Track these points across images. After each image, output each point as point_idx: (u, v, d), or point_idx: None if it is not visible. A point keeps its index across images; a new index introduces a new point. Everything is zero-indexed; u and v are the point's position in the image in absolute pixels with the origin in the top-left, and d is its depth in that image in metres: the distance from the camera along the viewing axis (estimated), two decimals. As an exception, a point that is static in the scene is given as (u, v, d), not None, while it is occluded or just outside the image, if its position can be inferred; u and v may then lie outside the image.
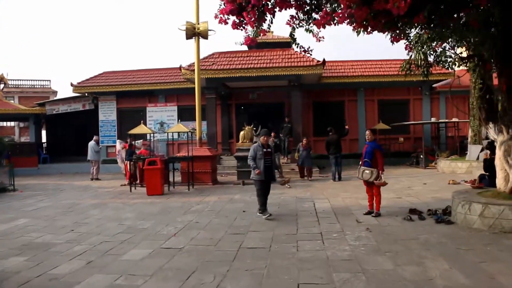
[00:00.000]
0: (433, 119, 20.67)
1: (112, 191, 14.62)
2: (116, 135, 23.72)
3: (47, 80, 42.31)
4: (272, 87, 22.00)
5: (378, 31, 7.32)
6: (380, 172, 9.01)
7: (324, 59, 18.40)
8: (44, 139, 29.60)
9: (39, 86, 42.15)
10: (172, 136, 16.82)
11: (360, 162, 9.49)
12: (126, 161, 15.65)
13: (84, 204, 11.79)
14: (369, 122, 22.39)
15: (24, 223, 9.47)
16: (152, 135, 16.28)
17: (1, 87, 28.41)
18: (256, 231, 8.03)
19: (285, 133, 19.64)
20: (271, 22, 7.99)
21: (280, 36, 26.76)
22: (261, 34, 7.99)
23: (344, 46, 70.97)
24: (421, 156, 19.82)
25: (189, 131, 14.99)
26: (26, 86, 41.84)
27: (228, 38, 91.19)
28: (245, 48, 22.72)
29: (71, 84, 23.20)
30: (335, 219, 8.86)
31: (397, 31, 7.99)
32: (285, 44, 22.39)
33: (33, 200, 12.95)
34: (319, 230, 7.89)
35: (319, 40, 8.48)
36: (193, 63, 18.32)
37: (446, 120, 20.87)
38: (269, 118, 23.27)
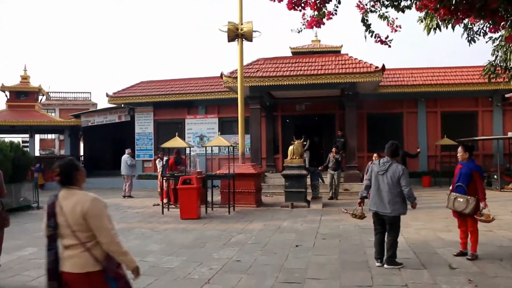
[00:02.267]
0: (510, 134, 17.99)
1: (142, 212, 12.85)
2: (153, 149, 22.20)
3: (88, 92, 41.80)
4: (321, 98, 19.96)
5: (474, 17, 5.32)
6: (481, 201, 6.78)
7: (383, 65, 16.21)
8: (81, 152, 28.58)
9: (80, 98, 41.63)
10: (212, 150, 14.93)
11: (450, 187, 7.28)
12: (161, 178, 13.86)
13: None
14: (430, 137, 19.92)
15: (29, 254, 7.74)
16: (188, 149, 14.53)
17: (40, 99, 27.62)
18: (317, 278, 5.95)
19: (339, 149, 17.47)
20: (339, 3, 6.09)
21: (328, 45, 24.84)
22: (326, 18, 6.05)
23: (400, 52, 67.70)
24: (495, 177, 17.16)
25: (231, 145, 13.09)
26: (66, 99, 41.39)
27: (274, 43, 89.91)
28: (291, 54, 20.81)
29: (107, 95, 21.93)
30: (419, 262, 6.66)
31: (496, 18, 5.85)
32: (335, 53, 20.46)
33: (52, 222, 11.32)
34: (403, 281, 5.74)
35: (395, 30, 6.47)
36: (236, 70, 16.57)
37: None
38: (318, 132, 21.25)
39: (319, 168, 14.97)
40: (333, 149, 14.88)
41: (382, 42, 6.42)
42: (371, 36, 6.41)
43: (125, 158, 17.34)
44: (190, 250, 7.81)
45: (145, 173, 22.32)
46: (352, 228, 9.57)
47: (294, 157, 13.13)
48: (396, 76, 20.42)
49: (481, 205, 6.73)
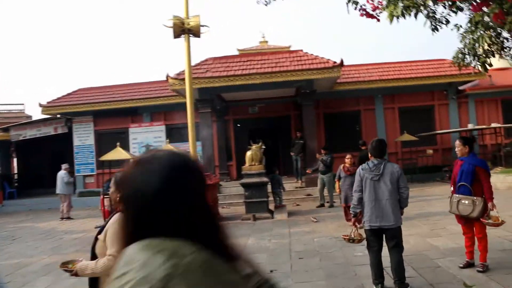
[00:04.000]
0: (470, 125, 17.44)
1: (82, 238, 10.97)
2: (94, 162, 20.22)
3: (21, 104, 38.65)
4: (275, 99, 18.83)
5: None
6: (488, 202, 5.68)
7: (342, 60, 15.21)
8: (15, 170, 26.00)
9: (12, 111, 38.35)
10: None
11: (451, 188, 6.16)
12: (101, 196, 12.10)
13: (33, 267, 8.14)
14: (390, 134, 19.13)
15: None
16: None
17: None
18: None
19: (297, 151, 16.28)
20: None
21: (277, 45, 23.67)
22: None
23: (354, 49, 67.54)
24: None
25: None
26: (-3, 112, 38.05)
27: (221, 46, 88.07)
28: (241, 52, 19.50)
29: (40, 105, 19.76)
30: (425, 282, 5.50)
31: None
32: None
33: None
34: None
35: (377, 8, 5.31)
36: (183, 71, 15.04)
37: (493, 126, 17.29)
38: (274, 135, 20.01)
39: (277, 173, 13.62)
40: (322, 151, 13.34)
41: (368, 15, 5.18)
42: (355, 8, 5.16)
43: (61, 174, 15.35)
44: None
45: (87, 189, 20.29)
46: (328, 241, 8.29)
47: (253, 163, 11.76)
48: (351, 73, 19.52)
49: (489, 206, 5.65)
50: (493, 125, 17.16)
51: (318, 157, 13.43)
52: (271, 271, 6.47)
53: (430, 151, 18.61)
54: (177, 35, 12.30)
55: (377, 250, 5.15)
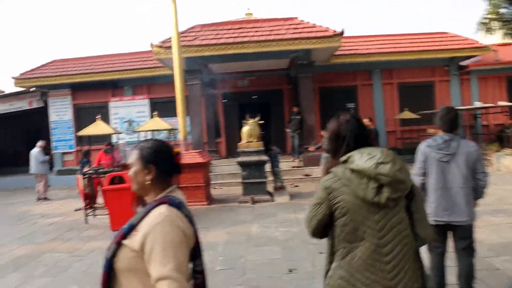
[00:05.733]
0: (477, 103, 16.49)
1: (59, 223, 9.73)
2: (73, 138, 18.82)
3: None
4: (267, 71, 17.65)
5: None
6: None
7: (342, 29, 14.04)
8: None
9: (-16, 86, 36.36)
10: (145, 137, 12.10)
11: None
12: (78, 176, 10.83)
13: (3, 258, 6.98)
14: (388, 111, 18.16)
15: None
16: (117, 136, 11.63)
17: None
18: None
19: (294, 127, 15.16)
20: None
21: (262, 18, 22.29)
22: None
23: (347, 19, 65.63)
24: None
25: (171, 129, 10.40)
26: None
27: (204, 18, 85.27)
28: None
29: (13, 77, 18.21)
30: None
31: None
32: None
33: None
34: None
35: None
36: (168, 39, 13.72)
37: (502, 104, 16.31)
38: (263, 110, 18.80)
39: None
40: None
41: None
42: None
43: (35, 153, 14.01)
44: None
45: (65, 167, 18.92)
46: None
47: (251, 140, 10.60)
48: (348, 45, 18.28)
49: None
50: (500, 103, 16.20)
51: (323, 134, 12.31)
52: (291, 270, 5.40)
53: (432, 130, 17.63)
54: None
55: (441, 252, 3.98)
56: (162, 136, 15.32)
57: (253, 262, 5.85)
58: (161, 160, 2.04)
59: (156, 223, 1.82)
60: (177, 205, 1.94)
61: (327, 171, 2.42)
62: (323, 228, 2.34)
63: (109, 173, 9.17)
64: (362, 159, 2.19)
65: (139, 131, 14.51)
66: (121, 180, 8.57)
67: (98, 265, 5.98)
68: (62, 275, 5.93)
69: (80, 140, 17.37)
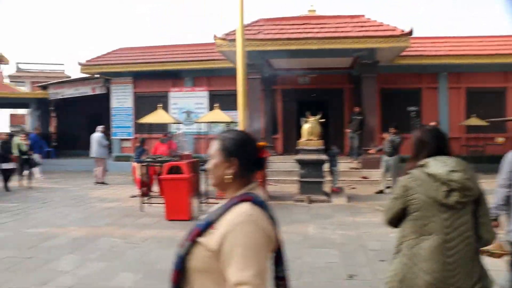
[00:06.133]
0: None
1: (115, 209, 9.89)
2: (132, 126, 19.20)
3: (60, 64, 38.10)
4: (328, 69, 17.21)
5: None
6: None
7: (411, 29, 13.47)
8: (53, 129, 25.36)
9: (52, 71, 37.78)
10: (202, 129, 12.11)
11: None
12: (134, 164, 10.92)
13: (59, 240, 7.03)
14: (453, 116, 17.28)
15: None
16: (177, 126, 11.69)
17: (1, 69, 24.22)
18: None
19: (355, 128, 14.75)
20: None
21: (326, 15, 21.83)
22: None
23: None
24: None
25: (232, 122, 10.33)
26: (37, 71, 37.51)
27: (267, 11, 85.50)
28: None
29: (79, 63, 18.80)
30: None
31: None
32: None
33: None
34: None
35: None
36: (232, 31, 13.61)
37: None
38: (323, 109, 18.43)
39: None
40: (390, 129, 11.78)
41: None
42: None
43: (97, 137, 14.37)
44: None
45: (123, 154, 19.33)
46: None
47: (312, 138, 10.33)
48: (414, 46, 17.54)
49: None
50: None
51: (385, 137, 11.89)
52: (351, 276, 5.11)
53: (501, 139, 16.64)
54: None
55: None
56: (219, 129, 15.33)
57: (310, 265, 5.61)
58: (245, 153, 1.80)
59: (237, 222, 1.62)
60: (261, 204, 1.73)
61: (406, 172, 2.69)
62: (397, 220, 2.67)
63: (167, 162, 9.17)
64: (437, 165, 2.49)
65: (199, 122, 14.55)
66: (178, 170, 8.54)
67: (152, 255, 5.96)
68: (117, 261, 5.92)
69: (139, 128, 17.68)
